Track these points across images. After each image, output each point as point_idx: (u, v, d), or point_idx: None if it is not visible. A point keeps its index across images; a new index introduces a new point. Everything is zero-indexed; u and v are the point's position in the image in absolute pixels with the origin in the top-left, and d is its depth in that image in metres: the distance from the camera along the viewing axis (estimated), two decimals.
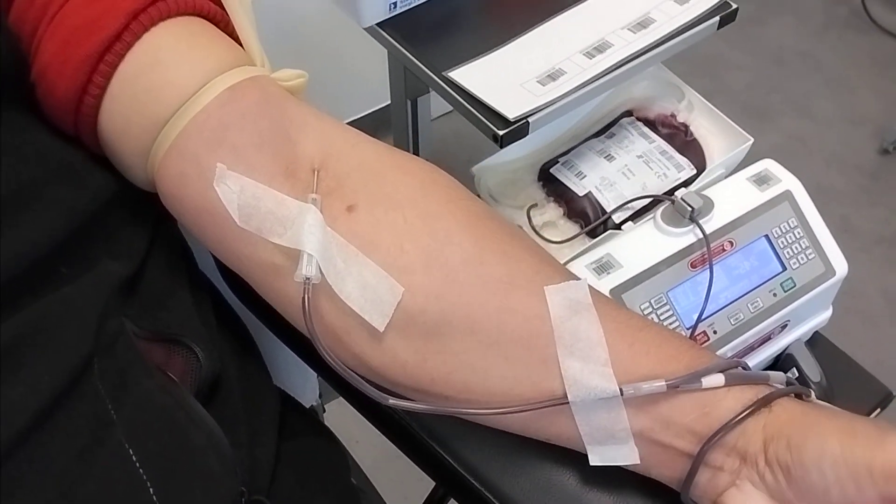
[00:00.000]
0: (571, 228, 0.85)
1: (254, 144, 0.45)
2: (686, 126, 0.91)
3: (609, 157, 0.88)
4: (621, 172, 0.87)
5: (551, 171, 0.89)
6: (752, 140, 0.87)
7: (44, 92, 0.45)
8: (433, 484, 0.84)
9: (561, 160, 0.90)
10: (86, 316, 0.42)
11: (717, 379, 0.42)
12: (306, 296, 0.44)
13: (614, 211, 0.84)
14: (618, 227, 0.83)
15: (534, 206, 0.87)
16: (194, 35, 0.47)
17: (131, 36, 0.44)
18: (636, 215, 0.84)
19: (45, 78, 0.45)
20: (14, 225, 0.40)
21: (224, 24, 0.49)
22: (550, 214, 0.86)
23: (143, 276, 0.48)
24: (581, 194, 0.86)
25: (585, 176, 0.87)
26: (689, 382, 0.42)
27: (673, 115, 0.91)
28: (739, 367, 0.44)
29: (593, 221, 0.84)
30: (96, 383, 0.41)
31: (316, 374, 0.76)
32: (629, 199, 0.83)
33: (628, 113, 0.93)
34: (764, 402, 0.42)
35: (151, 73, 0.45)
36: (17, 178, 0.41)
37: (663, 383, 0.42)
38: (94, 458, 0.40)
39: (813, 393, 0.44)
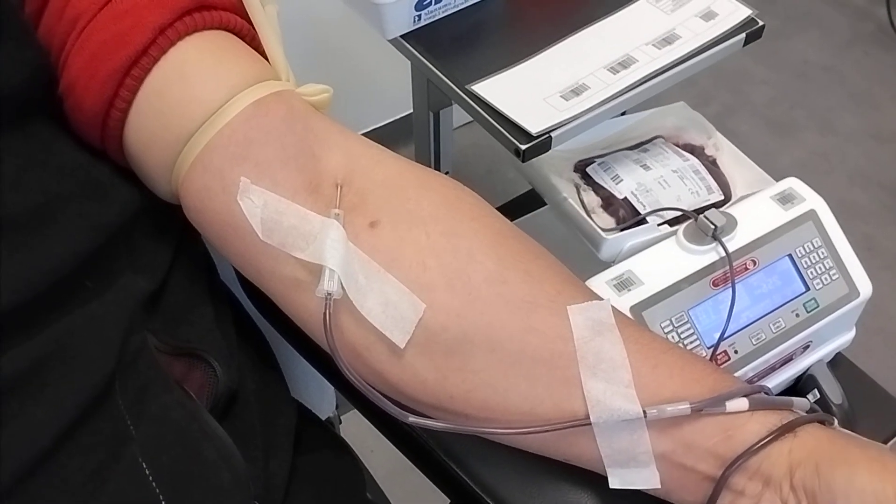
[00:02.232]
0: (608, 221, 0.85)
1: (278, 159, 0.45)
2: (714, 159, 0.91)
3: (645, 167, 0.87)
4: (658, 182, 0.86)
5: (587, 170, 0.89)
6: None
7: (71, 105, 0.45)
8: None
9: (597, 161, 0.89)
10: (110, 332, 0.42)
11: (742, 403, 0.42)
12: (328, 311, 0.44)
13: (649, 213, 0.83)
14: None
15: (577, 185, 0.87)
16: (220, 50, 0.47)
17: (158, 51, 0.44)
18: (668, 224, 0.83)
19: (72, 92, 0.45)
20: (40, 240, 0.40)
21: (250, 39, 0.50)
22: (589, 200, 0.86)
23: (166, 289, 0.49)
24: (619, 196, 0.85)
25: (622, 180, 0.86)
26: (714, 406, 0.42)
27: (702, 147, 0.91)
28: (762, 393, 0.43)
29: (630, 219, 0.83)
30: (117, 400, 0.41)
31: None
32: (664, 206, 0.83)
33: (658, 137, 0.93)
34: (788, 428, 0.42)
35: (177, 88, 0.45)
36: (44, 191, 0.41)
37: (687, 406, 0.42)
38: (109, 474, 0.40)
39: (836, 420, 0.44)
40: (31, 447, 0.37)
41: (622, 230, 0.83)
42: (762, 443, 0.41)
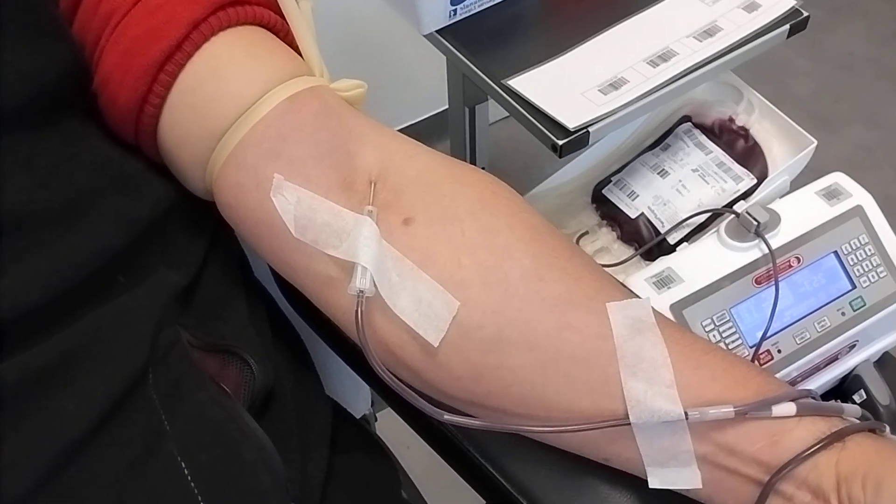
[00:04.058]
0: (626, 252, 0.84)
1: (311, 156, 0.45)
2: (746, 130, 0.88)
3: (663, 173, 0.86)
4: (675, 189, 0.84)
5: (604, 192, 0.88)
6: (816, 143, 0.84)
7: (105, 101, 0.45)
8: None
9: (613, 179, 0.88)
10: (142, 326, 0.42)
11: (789, 408, 0.41)
12: (359, 309, 0.43)
13: (668, 232, 0.82)
14: (672, 248, 0.81)
15: (584, 234, 0.86)
16: (254, 45, 0.47)
17: (191, 46, 0.44)
18: (692, 233, 0.82)
19: (106, 87, 0.45)
20: (71, 235, 0.40)
21: (284, 34, 0.49)
22: (604, 240, 0.85)
23: (200, 285, 0.48)
24: (634, 216, 0.84)
25: (638, 196, 0.85)
26: (759, 409, 0.41)
27: (731, 119, 0.89)
28: (810, 397, 0.42)
29: (647, 243, 0.82)
30: (150, 394, 0.41)
31: None
32: (683, 218, 0.81)
33: (686, 119, 0.91)
34: (838, 437, 0.40)
35: (211, 84, 0.45)
36: (76, 186, 0.41)
37: (731, 409, 0.40)
38: (145, 469, 0.40)
39: (888, 428, 0.42)
40: (62, 438, 0.37)
41: (643, 256, 0.82)
42: (810, 451, 0.40)
